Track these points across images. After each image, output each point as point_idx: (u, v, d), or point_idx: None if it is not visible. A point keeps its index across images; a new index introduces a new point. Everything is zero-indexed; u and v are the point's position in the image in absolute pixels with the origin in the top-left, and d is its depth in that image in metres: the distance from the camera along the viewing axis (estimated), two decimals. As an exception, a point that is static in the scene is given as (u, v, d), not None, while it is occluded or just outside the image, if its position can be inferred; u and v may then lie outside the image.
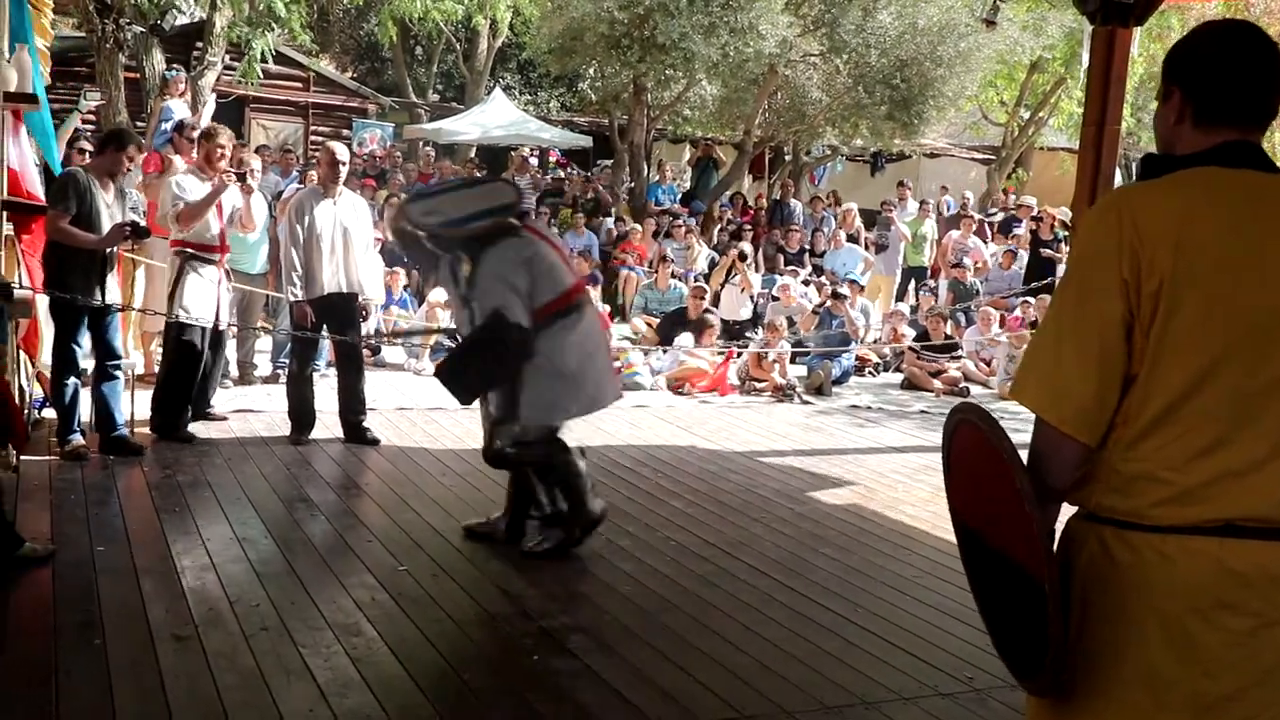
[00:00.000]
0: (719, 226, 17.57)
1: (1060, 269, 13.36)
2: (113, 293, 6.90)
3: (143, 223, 7.05)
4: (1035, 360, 2.12)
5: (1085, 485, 2.07)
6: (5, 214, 6.58)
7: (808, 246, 16.27)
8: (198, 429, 7.55)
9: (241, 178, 7.58)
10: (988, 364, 12.29)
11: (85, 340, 6.82)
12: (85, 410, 6.96)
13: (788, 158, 21.77)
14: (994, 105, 23.33)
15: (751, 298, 13.73)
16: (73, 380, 6.78)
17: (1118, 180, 6.09)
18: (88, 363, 6.99)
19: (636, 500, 6.77)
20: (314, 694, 3.98)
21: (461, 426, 8.25)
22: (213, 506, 6.05)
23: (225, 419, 7.98)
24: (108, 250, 6.76)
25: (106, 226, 6.67)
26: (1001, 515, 2.09)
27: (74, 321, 6.71)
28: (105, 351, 6.92)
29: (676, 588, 5.30)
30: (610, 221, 16.71)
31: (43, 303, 6.93)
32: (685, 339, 11.45)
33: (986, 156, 24.20)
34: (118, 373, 7.05)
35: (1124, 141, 12.65)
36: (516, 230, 5.51)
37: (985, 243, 16.28)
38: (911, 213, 16.81)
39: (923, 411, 10.59)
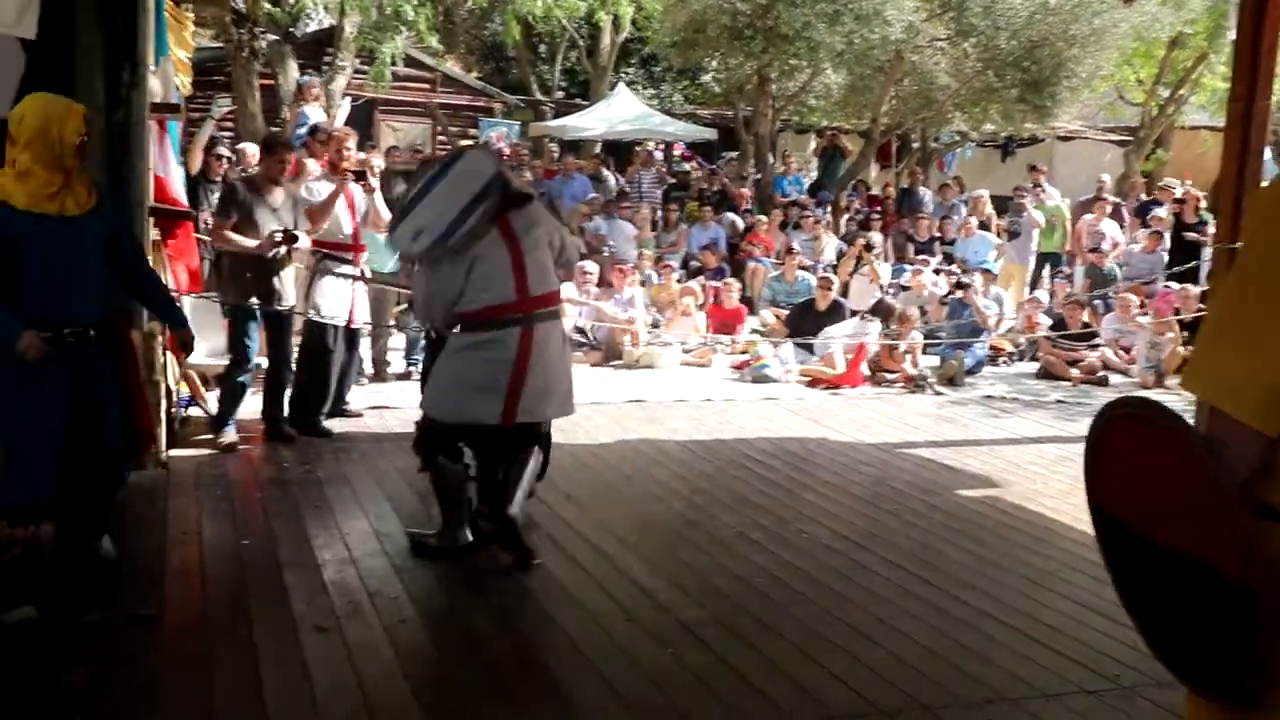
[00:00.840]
0: (846, 216, 17.39)
1: (1206, 252, 12.91)
2: (286, 294, 7.26)
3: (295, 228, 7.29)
4: (1211, 348, 2.00)
5: (1264, 480, 1.95)
6: (152, 219, 6.83)
7: (937, 235, 16.00)
8: (335, 425, 7.75)
9: (360, 176, 7.75)
10: (1127, 351, 11.93)
11: (257, 339, 7.14)
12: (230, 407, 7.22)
13: (915, 145, 21.43)
14: (1131, 84, 22.62)
15: (880, 288, 13.55)
16: (243, 377, 7.09)
17: (1267, 157, 5.86)
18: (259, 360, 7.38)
19: (768, 493, 6.74)
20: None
21: (591, 421, 8.32)
22: (351, 501, 6.20)
23: (361, 415, 8.17)
24: (274, 254, 7.03)
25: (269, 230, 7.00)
26: (1180, 512, 1.97)
27: (246, 323, 7.00)
28: (277, 351, 7.26)
29: (810, 580, 5.27)
30: (736, 214, 16.65)
31: (187, 305, 7.20)
32: (841, 328, 11.33)
33: (1123, 138, 23.47)
34: (286, 371, 7.45)
35: (1274, 117, 12.15)
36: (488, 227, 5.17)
37: (1122, 226, 15.80)
38: (1050, 197, 16.39)
39: (1059, 401, 10.33)
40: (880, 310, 11.95)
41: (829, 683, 4.16)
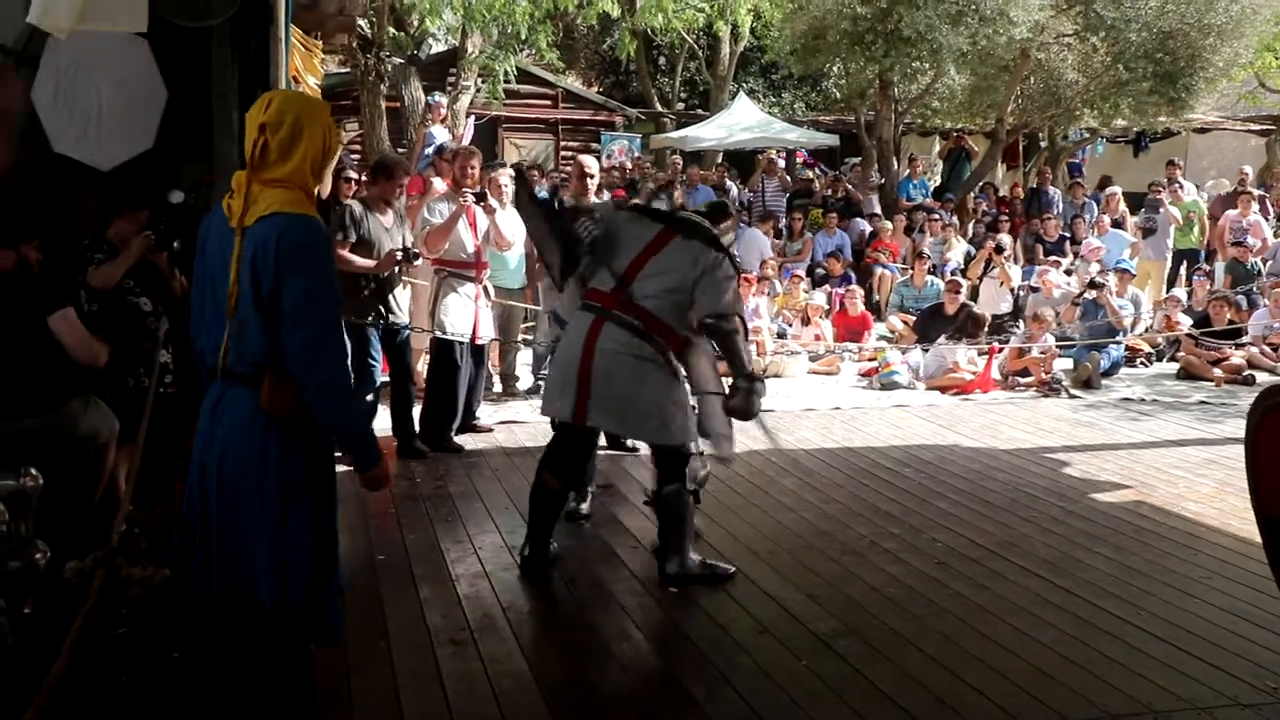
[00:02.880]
0: (974, 219, 17.08)
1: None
2: (404, 313, 7.38)
3: (414, 247, 7.42)
4: None
5: None
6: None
7: (1067, 234, 15.61)
8: (465, 441, 7.86)
9: (480, 197, 7.86)
10: (1275, 350, 11.48)
11: (380, 357, 7.29)
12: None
13: (1043, 144, 20.96)
14: (1272, 71, 21.80)
15: (1011, 290, 13.28)
16: (370, 395, 7.25)
17: None
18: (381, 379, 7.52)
19: (899, 501, 6.64)
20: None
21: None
22: (482, 515, 6.28)
23: (491, 430, 8.27)
24: (390, 272, 7.18)
25: (385, 250, 7.13)
26: None
27: (366, 341, 7.17)
28: (398, 367, 7.40)
29: (945, 590, 5.17)
30: (862, 220, 16.48)
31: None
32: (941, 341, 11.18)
33: (1265, 127, 22.64)
34: (410, 387, 7.58)
35: None
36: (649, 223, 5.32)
37: (1266, 219, 15.22)
38: (1187, 192, 15.89)
39: (1202, 402, 9.99)
40: (966, 321, 11.66)
41: (966, 694, 4.08)
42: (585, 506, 6.21)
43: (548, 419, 5.55)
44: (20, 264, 5.18)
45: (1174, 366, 11.55)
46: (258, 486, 3.06)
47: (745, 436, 8.24)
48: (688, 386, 5.28)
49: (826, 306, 12.74)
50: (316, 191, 3.21)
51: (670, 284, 5.08)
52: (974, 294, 13.09)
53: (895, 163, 18.53)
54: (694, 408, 5.32)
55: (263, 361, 3.04)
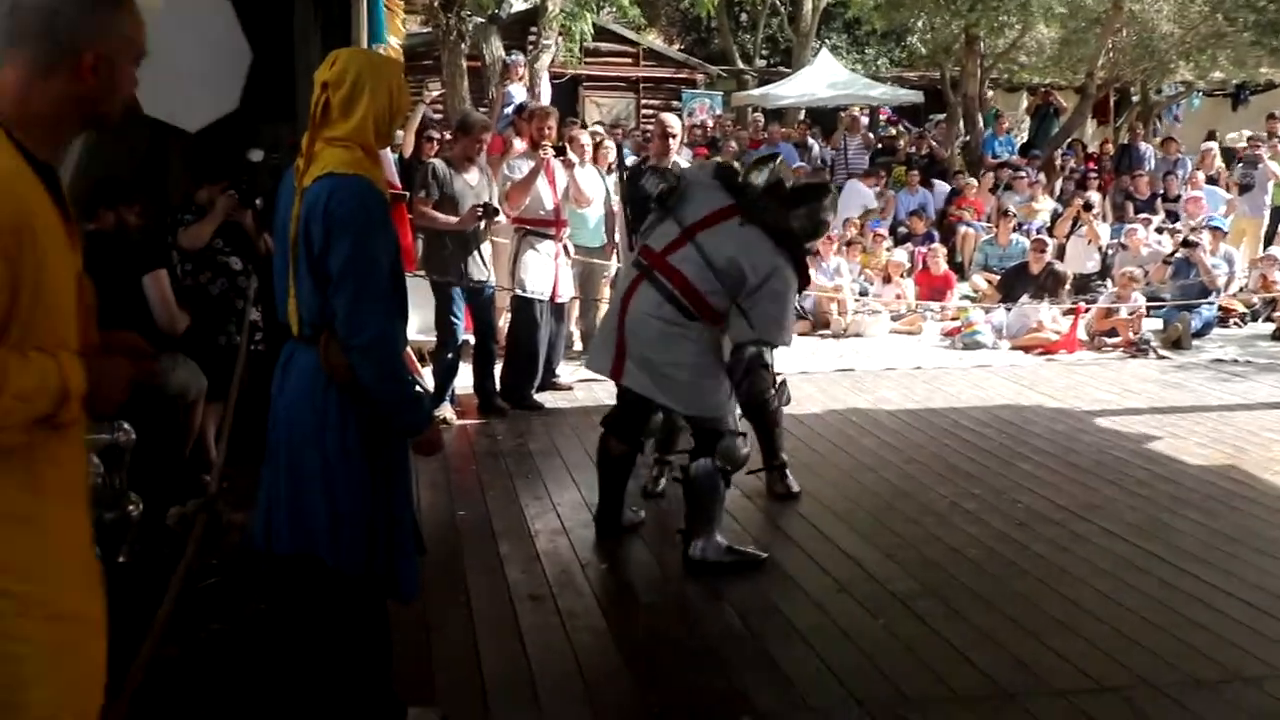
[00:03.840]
0: (1061, 176, 16.74)
1: None
2: (489, 270, 7.44)
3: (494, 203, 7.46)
4: None
5: None
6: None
7: (1160, 191, 15.24)
8: (545, 398, 7.92)
9: (560, 152, 7.85)
10: (1376, 310, 11.14)
11: (462, 315, 7.35)
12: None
13: (1135, 98, 20.46)
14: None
15: (1099, 249, 13.02)
16: (452, 353, 7.32)
17: None
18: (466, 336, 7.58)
19: (981, 462, 6.57)
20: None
21: (799, 391, 8.26)
22: (562, 473, 6.33)
23: (570, 388, 8.32)
24: (473, 229, 7.22)
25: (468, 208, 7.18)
26: None
27: (449, 299, 7.23)
28: (481, 325, 7.46)
29: (1026, 552, 5.12)
30: (945, 178, 16.23)
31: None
32: (1024, 301, 11.01)
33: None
34: (492, 345, 7.62)
35: None
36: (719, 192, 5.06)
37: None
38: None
39: (1299, 364, 9.75)
40: (1048, 279, 11.43)
41: (1047, 657, 4.04)
42: (663, 484, 5.91)
43: None
44: (118, 225, 5.33)
45: (1269, 327, 11.25)
46: (316, 443, 3.07)
47: (826, 397, 8.24)
48: (723, 357, 4.96)
49: (908, 265, 12.59)
50: (399, 151, 3.18)
51: (714, 261, 4.78)
52: (1060, 252, 12.85)
53: (980, 119, 18.21)
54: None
55: (318, 322, 3.04)
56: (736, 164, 5.86)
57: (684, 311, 4.81)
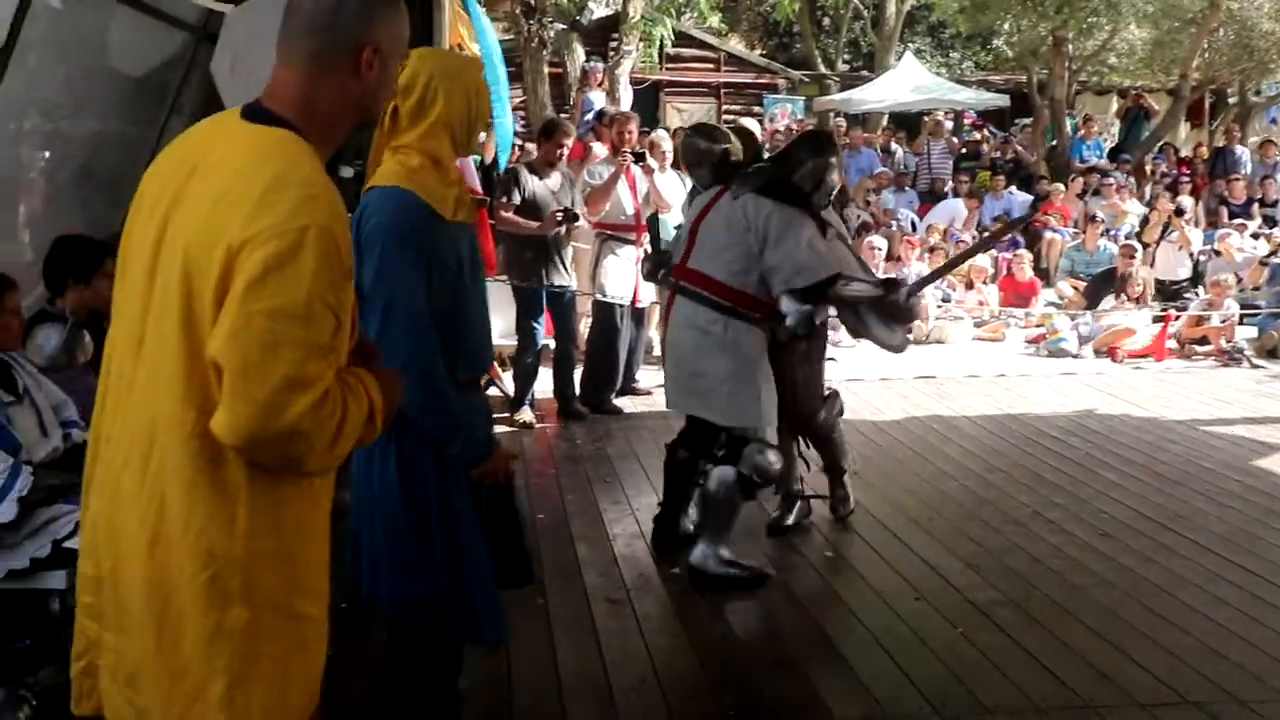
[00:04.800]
0: (1151, 181, 16.43)
1: None
2: (571, 276, 7.52)
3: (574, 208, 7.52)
4: None
5: None
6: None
7: (1257, 196, 14.88)
8: (624, 403, 7.96)
9: (639, 158, 7.89)
10: None
11: (543, 319, 7.43)
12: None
13: (1232, 100, 20.01)
14: None
15: (1190, 255, 12.76)
16: (532, 357, 7.40)
17: None
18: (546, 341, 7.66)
19: (1065, 471, 6.49)
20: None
21: (880, 397, 8.23)
22: (640, 477, 6.36)
23: (649, 393, 8.34)
24: (555, 234, 7.29)
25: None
26: None
27: (530, 303, 7.31)
28: (561, 330, 7.54)
29: (1110, 563, 5.05)
30: (1031, 183, 16.01)
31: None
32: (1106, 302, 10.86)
33: None
34: (572, 349, 7.69)
35: None
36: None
37: None
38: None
39: (1401, 374, 9.48)
40: (1101, 281, 11.25)
41: (1131, 670, 3.98)
42: (790, 518, 5.53)
43: None
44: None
45: (1369, 336, 10.96)
46: (378, 478, 2.84)
47: (907, 403, 8.19)
48: (766, 366, 4.85)
49: (992, 271, 12.46)
50: (480, 156, 3.05)
51: (724, 247, 4.77)
52: (1150, 259, 12.62)
53: (1068, 123, 17.94)
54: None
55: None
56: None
57: (724, 311, 4.76)
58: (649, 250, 5.41)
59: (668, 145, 8.26)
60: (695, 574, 4.82)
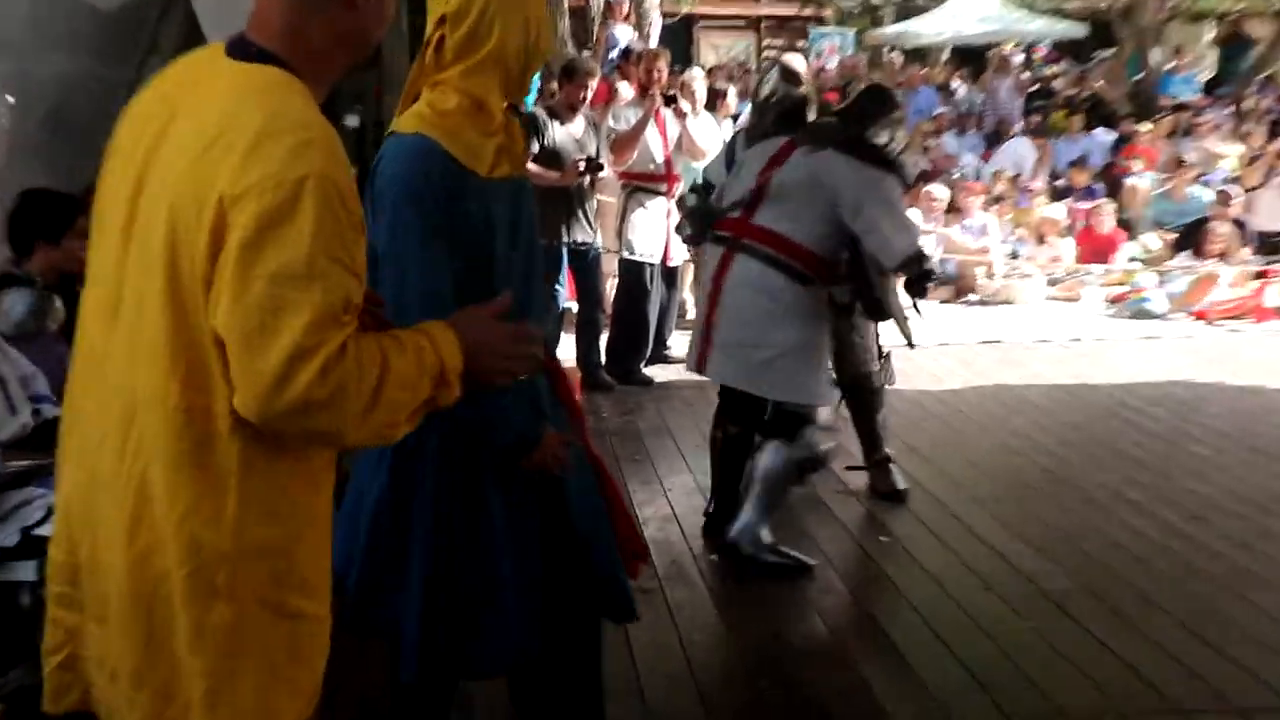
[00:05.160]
0: (1252, 119, 16.22)
1: None
2: (591, 230, 7.53)
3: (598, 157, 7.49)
4: None
5: None
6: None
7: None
8: (655, 372, 7.95)
9: (670, 100, 7.85)
10: None
11: (565, 281, 7.42)
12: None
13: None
14: None
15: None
16: (552, 323, 7.40)
17: None
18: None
19: (1148, 445, 6.47)
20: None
21: (939, 364, 8.19)
22: (673, 454, 6.36)
23: (683, 361, 8.33)
24: (577, 186, 7.27)
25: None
26: None
27: (550, 263, 7.31)
28: (585, 292, 7.53)
29: (1202, 549, 5.02)
30: (1112, 123, 15.85)
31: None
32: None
33: None
34: (597, 313, 7.72)
35: None
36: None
37: None
38: None
39: None
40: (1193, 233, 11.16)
41: (1228, 670, 3.96)
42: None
43: None
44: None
45: None
46: (375, 461, 2.71)
47: (970, 371, 8.15)
48: (828, 338, 4.98)
49: (1067, 222, 12.37)
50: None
51: (803, 205, 4.76)
52: (1249, 207, 12.48)
53: (1156, 54, 17.72)
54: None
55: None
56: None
57: (795, 275, 4.75)
58: (690, 202, 5.32)
59: (701, 85, 8.23)
60: (727, 550, 4.85)
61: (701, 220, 5.24)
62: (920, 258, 4.78)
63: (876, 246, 4.70)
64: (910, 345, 5.20)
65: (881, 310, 5.00)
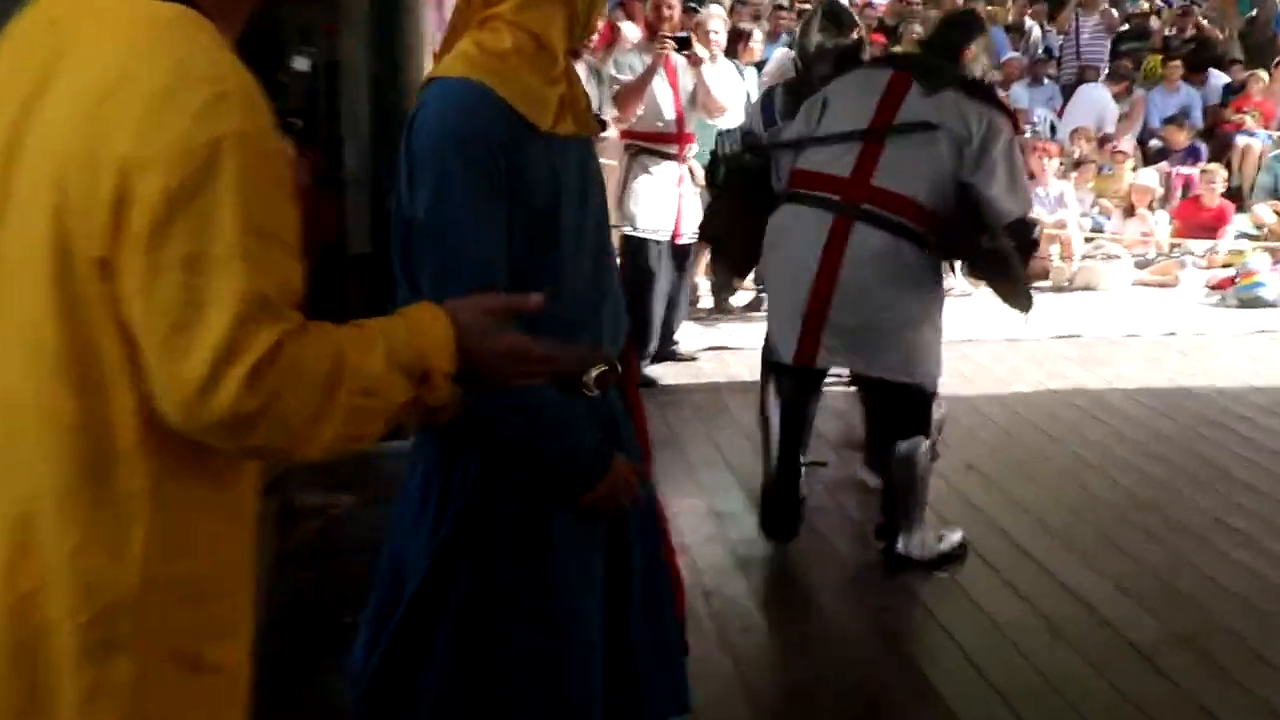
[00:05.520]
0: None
1: None
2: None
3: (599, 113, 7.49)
4: None
5: None
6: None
7: None
8: (661, 372, 7.95)
9: (683, 44, 7.82)
10: None
11: None
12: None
13: None
14: None
15: None
16: None
17: None
18: None
19: (1259, 464, 6.48)
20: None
21: (1004, 363, 8.19)
22: (682, 472, 6.36)
23: (695, 359, 8.34)
24: None
25: None
26: None
27: None
28: None
29: (1321, 589, 5.03)
30: (1220, 71, 15.84)
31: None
32: None
33: None
34: None
35: None
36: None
37: None
38: None
39: None
40: None
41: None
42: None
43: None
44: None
45: None
46: (413, 536, 2.59)
47: (1041, 371, 8.14)
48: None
49: (1162, 191, 12.36)
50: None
51: (928, 159, 4.89)
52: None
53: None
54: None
55: None
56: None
57: (921, 243, 4.90)
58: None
59: (719, 26, 8.22)
60: (901, 562, 5.12)
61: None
62: (1032, 224, 5.10)
63: (993, 200, 4.89)
64: (1026, 311, 5.30)
65: (1000, 266, 5.06)
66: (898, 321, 4.92)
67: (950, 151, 4.87)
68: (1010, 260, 4.98)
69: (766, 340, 5.38)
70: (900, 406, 5.13)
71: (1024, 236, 5.02)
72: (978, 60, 5.21)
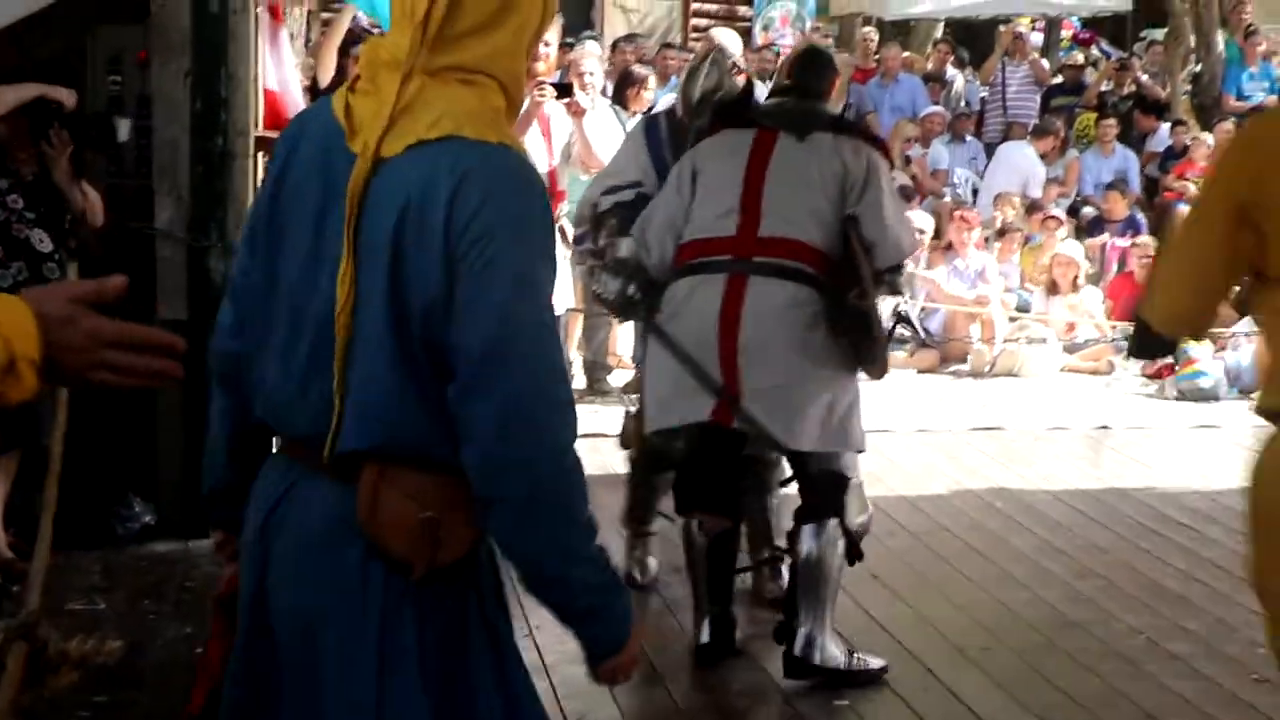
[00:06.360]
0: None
1: None
2: None
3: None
4: None
5: None
6: (260, 156, 7.08)
7: None
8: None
9: (564, 91, 7.82)
10: None
11: None
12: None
13: None
14: None
15: None
16: None
17: None
18: None
19: (1200, 579, 6.57)
20: None
21: (916, 457, 8.22)
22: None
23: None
24: None
25: None
26: None
27: None
28: None
29: (1268, 726, 5.08)
30: (1164, 129, 16.15)
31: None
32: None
33: None
34: None
35: None
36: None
37: None
38: None
39: None
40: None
41: None
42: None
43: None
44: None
45: None
46: (345, 658, 2.49)
47: (959, 468, 8.19)
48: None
49: (1094, 268, 12.55)
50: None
51: (815, 200, 5.16)
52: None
53: (1220, 39, 18.11)
54: None
55: (380, 442, 2.40)
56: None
57: (816, 285, 5.08)
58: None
59: (595, 67, 8.22)
60: (801, 670, 5.15)
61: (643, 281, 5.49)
62: (901, 268, 5.41)
63: (877, 235, 5.14)
64: (879, 378, 5.47)
65: (869, 325, 5.16)
66: (817, 383, 5.09)
67: (834, 190, 5.14)
68: (872, 318, 5.13)
69: (647, 425, 5.55)
70: (813, 480, 5.23)
71: (898, 278, 5.35)
72: (842, 94, 5.46)
